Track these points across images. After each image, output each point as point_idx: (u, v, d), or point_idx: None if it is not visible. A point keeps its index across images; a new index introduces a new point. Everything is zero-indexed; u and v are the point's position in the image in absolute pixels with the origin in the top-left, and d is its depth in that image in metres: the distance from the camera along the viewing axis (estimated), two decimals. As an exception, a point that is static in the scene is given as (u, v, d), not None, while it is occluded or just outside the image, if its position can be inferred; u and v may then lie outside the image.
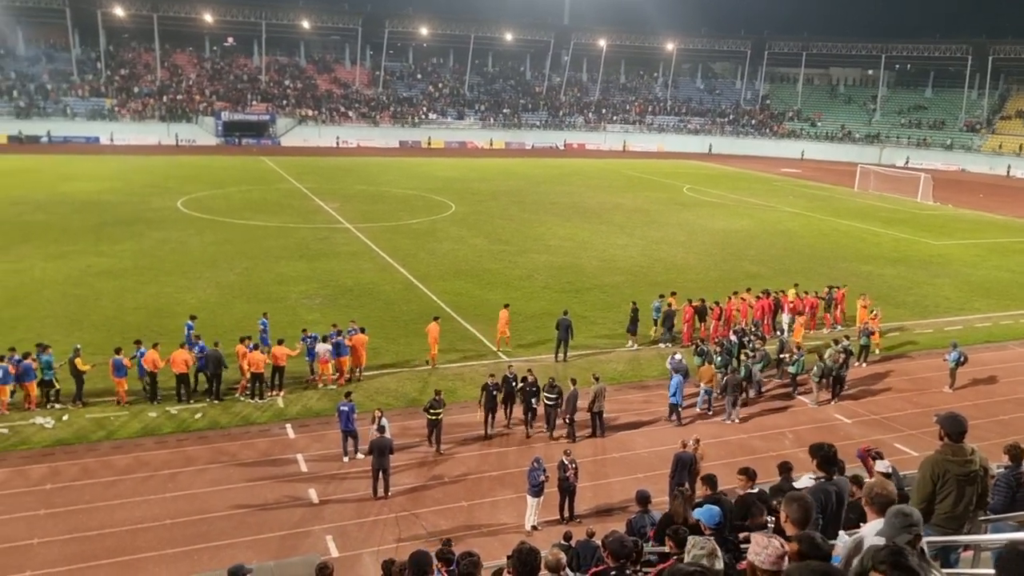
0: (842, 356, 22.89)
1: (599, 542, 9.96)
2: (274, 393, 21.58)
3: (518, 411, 20.25)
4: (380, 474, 16.48)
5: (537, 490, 15.44)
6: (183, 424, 19.67)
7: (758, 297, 28.54)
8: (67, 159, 70.40)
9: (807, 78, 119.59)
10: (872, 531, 5.57)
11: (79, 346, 21.11)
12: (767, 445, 19.61)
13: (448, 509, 16.24)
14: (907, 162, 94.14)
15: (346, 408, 18.17)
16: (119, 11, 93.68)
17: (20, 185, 54.02)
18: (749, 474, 10.49)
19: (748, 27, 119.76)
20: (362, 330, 23.30)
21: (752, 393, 22.95)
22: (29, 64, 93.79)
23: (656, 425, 20.86)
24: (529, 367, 21.02)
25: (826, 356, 22.93)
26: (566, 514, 15.98)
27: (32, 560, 14.04)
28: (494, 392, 19.62)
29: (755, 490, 10.28)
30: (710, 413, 21.66)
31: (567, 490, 15.88)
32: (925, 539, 5.65)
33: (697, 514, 8.54)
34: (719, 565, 5.91)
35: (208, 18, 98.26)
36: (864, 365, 25.64)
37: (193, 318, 24.37)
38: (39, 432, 18.83)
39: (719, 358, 22.76)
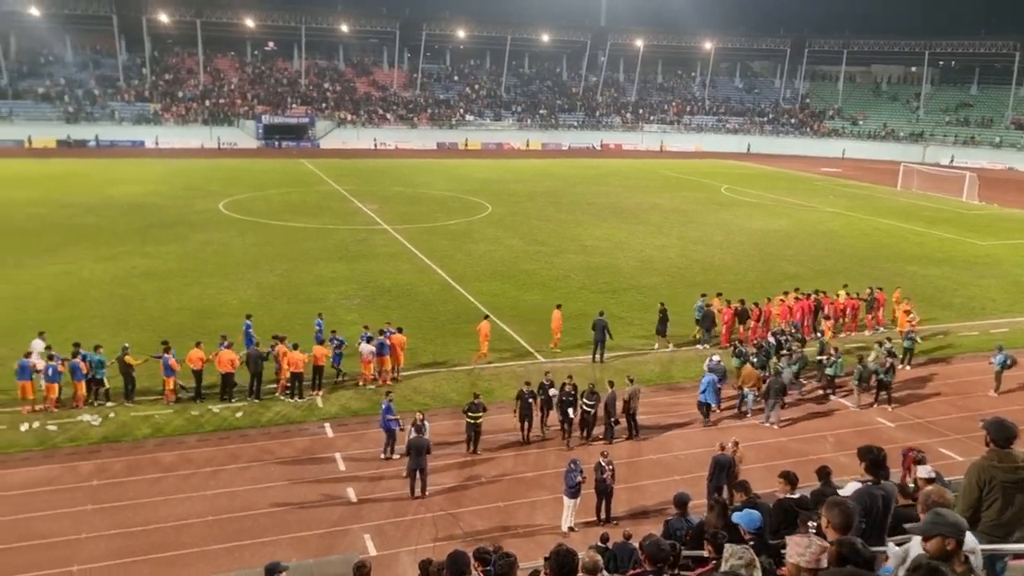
0: (888, 360, 22.50)
1: (636, 544, 9.94)
2: (314, 392, 21.86)
3: (555, 417, 19.87)
4: (417, 474, 16.60)
5: (574, 491, 15.44)
6: (225, 422, 20.02)
7: (797, 299, 28.20)
8: (114, 163, 71.96)
9: (848, 76, 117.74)
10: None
11: (127, 344, 21.60)
12: (807, 448, 19.37)
13: (485, 509, 16.31)
14: (952, 161, 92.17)
15: (383, 406, 18.49)
16: (164, 17, 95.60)
17: (70, 188, 55.36)
18: (789, 478, 10.33)
19: (787, 25, 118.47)
20: (399, 330, 23.48)
21: (791, 396, 22.70)
22: (77, 70, 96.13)
23: (693, 427, 20.74)
24: (569, 374, 20.51)
25: (869, 359, 22.59)
26: (603, 516, 15.95)
27: (79, 554, 14.39)
28: (529, 400, 19.28)
29: (796, 495, 10.15)
30: (748, 415, 21.46)
31: (604, 492, 15.85)
32: (975, 547, 5.54)
33: (737, 518, 8.46)
34: (757, 575, 5.87)
35: (250, 23, 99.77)
36: (908, 368, 25.17)
37: (249, 317, 24.80)
38: (87, 429, 19.30)
39: (755, 359, 22.55)
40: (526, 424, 19.40)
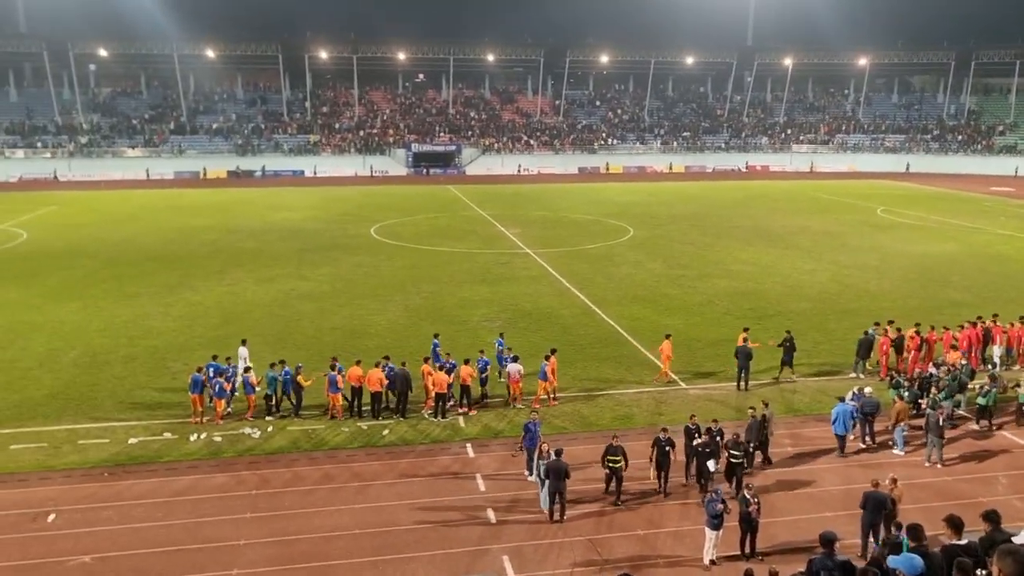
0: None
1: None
2: (462, 410, 22.38)
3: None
4: (556, 497, 16.60)
5: (716, 522, 14.95)
6: (373, 439, 20.79)
7: (961, 327, 26.23)
8: (276, 191, 76.94)
9: (1021, 87, 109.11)
10: None
11: (301, 364, 22.93)
12: (974, 490, 17.92)
13: (624, 537, 16.07)
14: None
15: (532, 427, 18.68)
16: (323, 55, 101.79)
17: (236, 215, 59.64)
18: (954, 524, 9.48)
19: (951, 37, 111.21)
20: (553, 352, 23.42)
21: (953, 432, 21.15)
22: (246, 106, 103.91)
23: (844, 461, 19.64)
24: (715, 418, 19.10)
25: None
26: (747, 550, 15.37)
27: (239, 559, 15.31)
28: (667, 448, 17.48)
29: (963, 541, 9.32)
30: (896, 449, 20.18)
31: (749, 525, 15.27)
32: None
33: (895, 562, 7.95)
34: None
35: (401, 56, 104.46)
36: None
37: (437, 336, 25.79)
38: (248, 441, 20.57)
39: (907, 393, 21.24)
40: (663, 475, 17.69)
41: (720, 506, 14.95)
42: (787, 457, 19.78)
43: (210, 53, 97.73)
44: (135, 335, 29.52)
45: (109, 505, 17.20)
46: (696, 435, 17.96)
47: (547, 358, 23.12)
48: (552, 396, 23.22)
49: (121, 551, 15.46)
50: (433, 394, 22.12)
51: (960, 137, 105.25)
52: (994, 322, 26.79)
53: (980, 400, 21.55)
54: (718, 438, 17.84)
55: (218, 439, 20.60)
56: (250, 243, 48.11)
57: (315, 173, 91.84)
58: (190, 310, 33.00)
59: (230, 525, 16.48)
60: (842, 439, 19.90)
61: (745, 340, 24.57)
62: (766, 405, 19.77)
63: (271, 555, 15.43)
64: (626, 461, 17.10)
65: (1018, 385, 22.34)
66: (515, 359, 23.20)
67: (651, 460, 17.65)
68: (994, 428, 21.51)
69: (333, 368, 22.16)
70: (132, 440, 20.48)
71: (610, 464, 17.14)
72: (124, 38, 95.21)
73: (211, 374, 22.17)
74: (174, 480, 18.39)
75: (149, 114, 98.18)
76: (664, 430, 17.86)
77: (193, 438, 20.60)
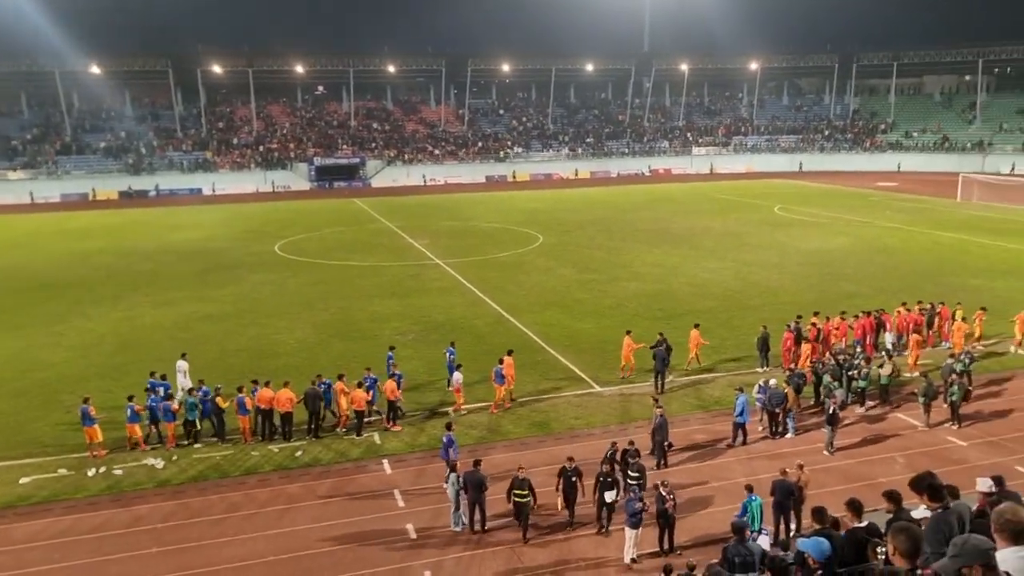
0: (955, 376, 21.71)
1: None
2: (389, 426, 22.03)
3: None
4: (475, 508, 16.45)
5: (635, 520, 15.09)
6: (284, 462, 20.17)
7: (856, 316, 27.42)
8: (173, 210, 74.25)
9: (899, 88, 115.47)
10: (1001, 559, 5.20)
11: (220, 386, 22.08)
12: (876, 471, 18.67)
13: (546, 543, 16.05)
14: (1013, 169, 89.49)
15: (445, 440, 18.52)
16: (217, 69, 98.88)
17: (131, 237, 57.20)
18: (855, 507, 9.86)
19: (833, 41, 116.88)
20: (509, 353, 23.55)
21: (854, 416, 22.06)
22: (136, 123, 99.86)
23: (751, 452, 20.19)
24: (631, 441, 18.21)
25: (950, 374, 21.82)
26: (665, 546, 15.57)
27: (146, 597, 14.55)
28: (573, 478, 16.47)
29: (864, 524, 9.67)
30: (787, 435, 21.06)
31: (666, 521, 15.47)
32: None
33: (803, 545, 8.15)
34: None
35: (299, 69, 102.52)
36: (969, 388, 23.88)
37: (392, 348, 25.45)
38: (151, 472, 19.63)
39: (795, 381, 22.14)
40: (572, 506, 16.63)
41: (639, 504, 15.11)
42: (699, 451, 20.19)
43: (95, 69, 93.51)
44: (24, 368, 27.87)
45: (2, 551, 16.11)
46: (574, 476, 16.58)
47: (501, 361, 23.39)
48: (509, 398, 23.44)
49: (15, 599, 14.50)
50: (351, 411, 21.67)
51: (848, 136, 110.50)
52: (884, 311, 28.10)
53: (860, 383, 22.55)
54: (610, 476, 16.55)
55: (118, 472, 19.59)
56: (147, 265, 46.19)
57: (214, 191, 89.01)
58: (83, 339, 31.39)
59: (135, 562, 15.67)
60: (742, 427, 20.51)
61: (660, 344, 24.82)
62: (656, 401, 20.15)
63: (180, 590, 14.74)
64: (534, 496, 16.06)
65: (879, 366, 23.32)
66: (458, 367, 23.40)
67: (557, 490, 16.58)
68: (888, 408, 22.51)
69: (240, 391, 21.51)
70: (24, 480, 19.27)
71: (516, 499, 16.03)
72: (1, 55, 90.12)
73: (160, 394, 21.47)
74: (72, 519, 17.38)
75: (31, 134, 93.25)
76: (570, 459, 16.77)
77: (91, 473, 19.54)
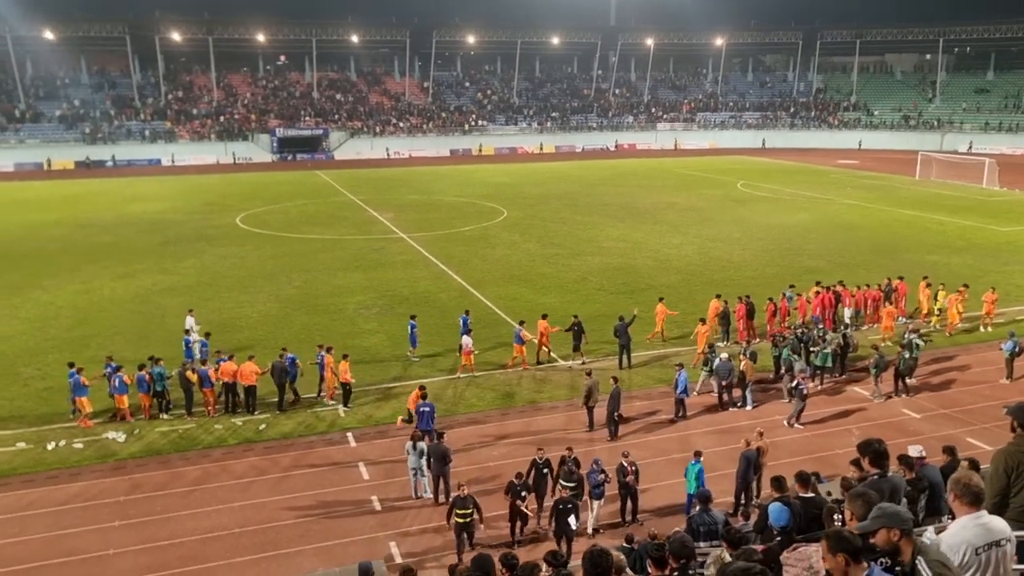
0: (907, 350, 22.29)
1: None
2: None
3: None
4: (440, 480, 16.58)
5: (598, 492, 15.34)
6: (249, 435, 20.09)
7: (817, 292, 27.91)
8: (131, 181, 72.75)
9: (862, 66, 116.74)
10: (958, 529, 5.41)
11: (188, 359, 21.78)
12: (833, 443, 19.15)
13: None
14: (970, 147, 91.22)
15: (427, 409, 18.62)
16: (176, 36, 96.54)
17: (88, 208, 55.99)
18: (803, 478, 10.13)
19: (798, 18, 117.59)
20: (544, 317, 23.28)
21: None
22: (93, 91, 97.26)
23: (718, 424, 20.57)
24: (568, 446, 16.57)
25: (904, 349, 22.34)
26: (628, 517, 15.85)
27: (107, 570, 14.50)
28: (522, 492, 15.17)
29: (811, 495, 9.93)
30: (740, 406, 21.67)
31: (628, 493, 15.74)
32: (1010, 534, 5.46)
33: (771, 510, 8.35)
34: None
35: (260, 38, 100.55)
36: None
37: (414, 317, 26.01)
38: (112, 446, 19.44)
39: (784, 351, 22.57)
40: (519, 522, 15.39)
41: (601, 476, 15.34)
42: (660, 424, 20.53)
43: (49, 35, 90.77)
44: (-22, 341, 27.31)
45: (-43, 525, 15.91)
46: (544, 469, 15.85)
47: (522, 323, 24.63)
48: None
49: (-27, 573, 14.35)
50: (337, 383, 21.80)
51: (809, 113, 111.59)
52: (843, 285, 28.58)
53: (816, 360, 23.01)
54: (572, 467, 15.62)
55: (79, 446, 19.36)
56: (105, 237, 45.30)
57: (173, 162, 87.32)
58: (40, 311, 30.80)
59: (96, 535, 15.57)
60: (682, 403, 20.90)
61: (622, 318, 24.93)
62: (615, 380, 20.32)
63: (144, 563, 14.68)
64: (480, 513, 14.75)
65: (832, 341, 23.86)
66: (468, 332, 24.21)
67: (506, 495, 15.21)
68: (844, 381, 23.07)
69: (203, 363, 21.36)
70: (-20, 453, 18.98)
71: (458, 519, 14.61)
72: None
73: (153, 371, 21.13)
74: (30, 492, 17.18)
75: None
76: (519, 475, 15.33)
77: (51, 447, 19.29)
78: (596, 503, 15.43)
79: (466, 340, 23.96)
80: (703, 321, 25.11)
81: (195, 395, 21.31)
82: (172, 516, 16.22)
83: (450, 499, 15.47)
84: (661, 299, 27.20)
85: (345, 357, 21.87)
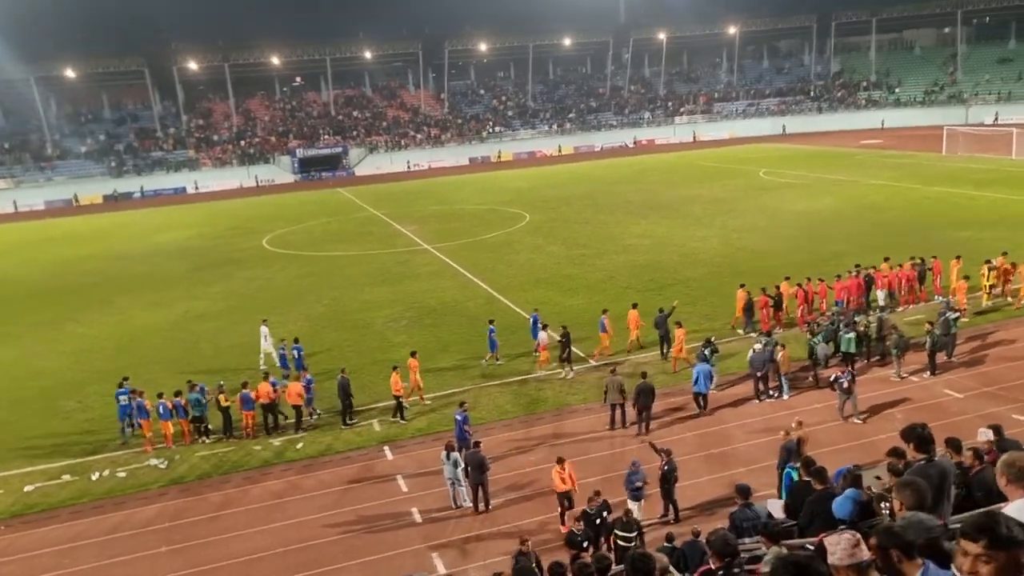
0: (938, 327, 21.94)
1: (704, 541, 9.73)
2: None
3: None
4: (479, 489, 16.58)
5: (637, 495, 15.20)
6: (287, 454, 20.25)
7: (838, 277, 27.45)
8: (158, 211, 73.84)
9: (879, 44, 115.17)
10: (1015, 513, 5.24)
11: (223, 383, 22.13)
12: (876, 428, 18.87)
13: (551, 519, 16.18)
14: (996, 119, 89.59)
15: (459, 418, 18.64)
16: (193, 65, 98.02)
17: (118, 240, 56.90)
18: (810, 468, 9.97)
19: (811, 1, 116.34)
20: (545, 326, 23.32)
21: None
22: (115, 125, 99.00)
23: (755, 418, 20.35)
24: (596, 490, 14.65)
25: (936, 327, 21.97)
26: (669, 514, 15.72)
27: (158, 596, 14.66)
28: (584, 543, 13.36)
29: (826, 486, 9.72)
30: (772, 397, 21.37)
31: (667, 484, 15.55)
32: None
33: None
34: None
35: (275, 61, 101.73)
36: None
37: (492, 321, 26.24)
38: (154, 472, 19.69)
39: (822, 340, 22.29)
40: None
41: (639, 482, 15.20)
42: (696, 419, 20.38)
43: (70, 73, 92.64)
44: (21, 376, 27.85)
45: (10, 559, 16.21)
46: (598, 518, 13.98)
47: (605, 312, 25.06)
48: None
49: (27, 606, 14.59)
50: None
51: (828, 96, 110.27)
52: (876, 269, 28.14)
53: (842, 347, 22.49)
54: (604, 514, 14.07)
55: (122, 475, 19.64)
56: (137, 268, 46.00)
57: (197, 189, 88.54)
58: (79, 344, 31.34)
59: (145, 562, 15.78)
60: (702, 397, 20.70)
61: (661, 310, 25.02)
62: (613, 372, 20.53)
63: (192, 587, 14.85)
64: (642, 539, 12.99)
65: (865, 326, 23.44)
66: (544, 327, 24.55)
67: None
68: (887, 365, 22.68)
69: (244, 387, 21.57)
70: (28, 487, 19.32)
71: (621, 541, 13.08)
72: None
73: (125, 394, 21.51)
74: (78, 524, 17.45)
75: (9, 143, 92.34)
76: (524, 542, 13.10)
77: (95, 477, 19.59)
78: (636, 504, 15.30)
79: (542, 336, 24.33)
80: (635, 305, 25.90)
81: (233, 417, 21.54)
82: (216, 539, 16.39)
83: (608, 518, 13.91)
84: (635, 305, 26.12)
85: (395, 369, 21.89)
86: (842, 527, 7.46)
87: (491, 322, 26.01)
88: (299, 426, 21.59)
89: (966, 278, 26.48)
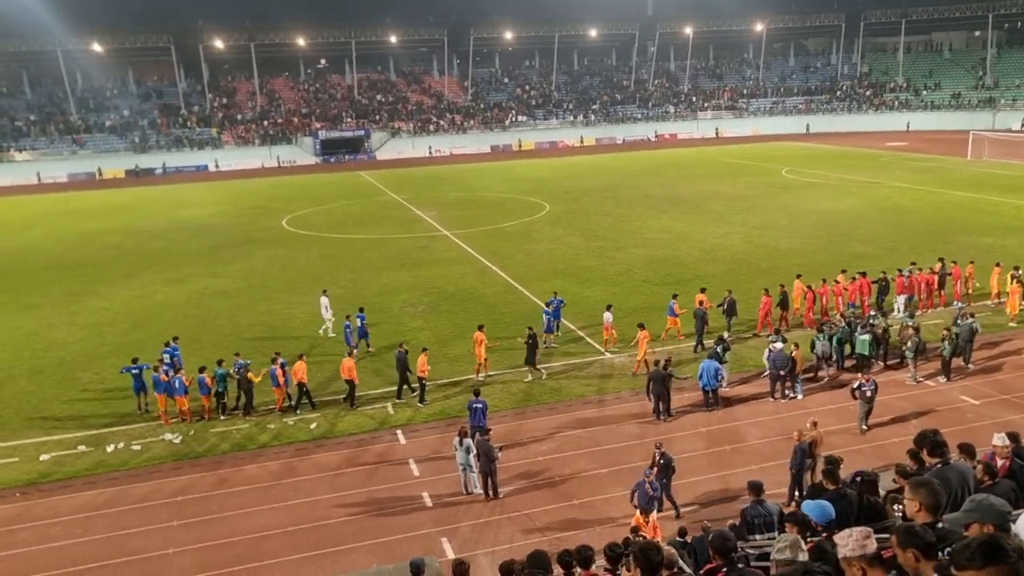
0: (954, 334, 21.73)
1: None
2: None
3: None
4: (488, 477, 16.62)
5: (649, 508, 14.74)
6: (300, 435, 20.38)
7: (853, 279, 27.27)
8: (180, 188, 74.29)
9: (908, 46, 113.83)
10: None
11: (249, 361, 22.23)
12: (891, 432, 18.74)
13: (559, 508, 16.22)
14: (1023, 125, 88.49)
15: (479, 406, 18.63)
16: (219, 43, 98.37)
17: (140, 215, 57.33)
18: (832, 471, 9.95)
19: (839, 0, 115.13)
20: (480, 328, 23.39)
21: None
22: (140, 101, 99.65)
23: (771, 415, 20.28)
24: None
25: (954, 331, 21.79)
26: (677, 512, 15.68)
27: (168, 569, 14.83)
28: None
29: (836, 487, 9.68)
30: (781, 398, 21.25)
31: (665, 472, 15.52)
32: None
33: (806, 508, 8.04)
34: (803, 556, 5.71)
35: (301, 42, 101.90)
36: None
37: (548, 304, 26.70)
38: (168, 447, 19.88)
39: (827, 339, 22.15)
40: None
41: (651, 492, 14.94)
42: (713, 415, 20.33)
43: (97, 47, 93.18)
44: (39, 347, 28.14)
45: (24, 526, 16.41)
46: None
47: (675, 296, 25.93)
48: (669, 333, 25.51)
49: (41, 573, 14.78)
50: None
51: (854, 96, 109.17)
52: (902, 271, 27.75)
53: (859, 348, 22.33)
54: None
55: (137, 448, 19.84)
56: (157, 243, 46.34)
57: (218, 167, 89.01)
58: (97, 317, 31.62)
59: (156, 535, 15.94)
60: (711, 393, 20.64)
61: (701, 303, 25.23)
62: (657, 363, 20.56)
63: (203, 560, 15.00)
64: None
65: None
66: (608, 308, 25.21)
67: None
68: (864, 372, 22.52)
69: (274, 362, 21.61)
70: (44, 456, 19.56)
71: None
72: (2, 35, 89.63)
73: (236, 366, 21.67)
74: (92, 494, 17.65)
75: (35, 115, 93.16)
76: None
77: (110, 449, 19.79)
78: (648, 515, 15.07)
79: (607, 316, 24.84)
80: (609, 307, 25.59)
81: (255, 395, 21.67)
82: (228, 515, 16.54)
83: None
84: (609, 307, 25.75)
85: (424, 351, 22.24)
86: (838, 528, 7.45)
87: (547, 304, 26.67)
88: (352, 401, 21.74)
89: (1020, 283, 26.19)
